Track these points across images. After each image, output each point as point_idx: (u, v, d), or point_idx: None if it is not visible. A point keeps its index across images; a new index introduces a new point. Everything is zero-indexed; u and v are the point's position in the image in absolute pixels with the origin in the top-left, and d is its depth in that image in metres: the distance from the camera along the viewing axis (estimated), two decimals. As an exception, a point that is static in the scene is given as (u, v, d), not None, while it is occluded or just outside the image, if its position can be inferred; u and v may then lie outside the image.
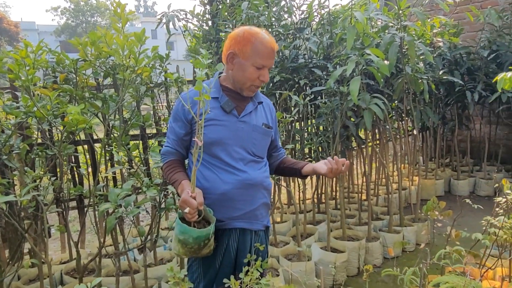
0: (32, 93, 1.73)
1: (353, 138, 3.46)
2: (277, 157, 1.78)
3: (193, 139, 1.41)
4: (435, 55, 3.96)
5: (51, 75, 2.46)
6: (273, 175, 2.27)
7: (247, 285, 1.40)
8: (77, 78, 2.32)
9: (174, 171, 1.58)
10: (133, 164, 2.85)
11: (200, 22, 5.28)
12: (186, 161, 1.70)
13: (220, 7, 5.53)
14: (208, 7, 5.74)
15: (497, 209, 2.56)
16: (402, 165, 4.61)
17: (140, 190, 2.93)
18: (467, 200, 2.41)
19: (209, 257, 1.56)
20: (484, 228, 2.38)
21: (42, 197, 1.91)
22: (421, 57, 3.30)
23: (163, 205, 2.15)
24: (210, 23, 5.60)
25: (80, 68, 2.37)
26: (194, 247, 1.44)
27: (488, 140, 4.77)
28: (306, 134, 3.30)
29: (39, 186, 2.15)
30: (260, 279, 1.40)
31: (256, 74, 1.52)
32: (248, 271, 1.43)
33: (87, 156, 2.91)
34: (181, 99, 1.54)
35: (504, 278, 2.47)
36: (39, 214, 2.20)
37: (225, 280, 1.38)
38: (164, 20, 3.53)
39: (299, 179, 3.43)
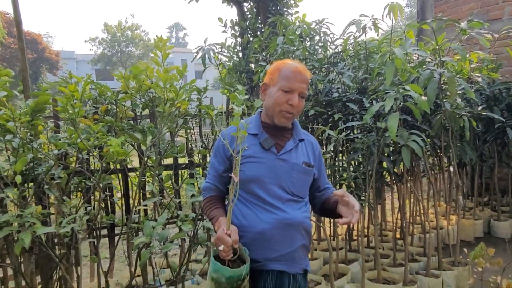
0: (76, 125, 1.78)
1: (388, 174, 3.36)
2: (321, 197, 1.70)
3: (230, 175, 1.40)
4: (473, 90, 3.85)
5: (92, 105, 2.54)
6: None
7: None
8: (117, 109, 2.38)
9: (213, 207, 1.56)
10: (165, 195, 2.86)
11: (231, 54, 5.43)
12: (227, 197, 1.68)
13: (251, 39, 5.70)
14: (239, 39, 5.93)
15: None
16: (438, 202, 4.42)
17: (170, 220, 2.93)
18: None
19: (244, 300, 1.49)
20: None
21: (78, 227, 1.92)
22: (459, 93, 3.21)
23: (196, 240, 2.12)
24: (240, 54, 5.77)
25: (121, 100, 2.44)
26: (227, 287, 1.39)
27: (530, 180, 4.53)
28: (340, 169, 3.23)
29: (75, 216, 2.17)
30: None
31: (284, 97, 1.51)
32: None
33: (120, 184, 2.95)
34: (221, 136, 1.54)
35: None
36: (73, 244, 2.21)
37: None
38: (200, 54, 3.62)
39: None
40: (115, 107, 2.41)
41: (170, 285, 2.84)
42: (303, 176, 1.58)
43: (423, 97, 2.64)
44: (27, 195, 2.04)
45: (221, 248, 1.36)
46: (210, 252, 3.22)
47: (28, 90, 2.59)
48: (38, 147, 1.91)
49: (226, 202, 1.67)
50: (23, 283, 2.59)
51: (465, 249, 3.42)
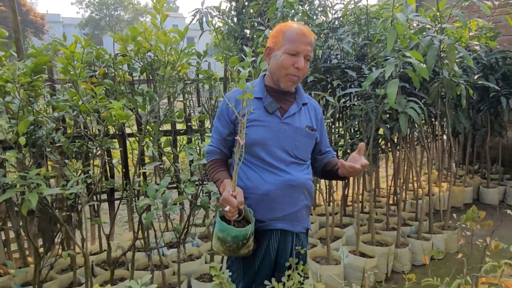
0: (77, 87, 1.75)
1: (383, 141, 3.40)
2: (322, 160, 1.73)
3: (235, 137, 1.41)
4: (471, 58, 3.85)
5: (89, 69, 2.49)
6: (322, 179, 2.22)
7: (289, 288, 1.38)
8: (115, 73, 2.34)
9: (217, 170, 1.58)
10: (164, 160, 2.87)
11: (226, 19, 5.28)
12: (230, 160, 1.70)
13: (246, 3, 5.53)
14: (234, 3, 5.74)
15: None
16: (430, 170, 4.51)
17: (170, 186, 2.96)
18: (509, 211, 2.33)
19: (248, 258, 1.55)
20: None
21: (81, 190, 1.93)
22: (456, 61, 3.21)
23: (198, 203, 2.16)
24: (235, 19, 5.61)
25: (118, 63, 2.39)
26: (232, 246, 1.44)
27: (520, 148, 4.63)
28: (336, 136, 3.26)
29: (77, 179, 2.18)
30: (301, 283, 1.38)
31: (289, 61, 1.50)
32: (290, 275, 1.42)
33: (119, 149, 2.94)
34: (226, 99, 1.53)
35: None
36: (76, 206, 2.23)
37: (266, 282, 1.37)
38: (197, 17, 3.52)
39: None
40: (113, 71, 2.36)
41: (170, 247, 2.91)
42: (306, 139, 1.60)
43: (422, 64, 2.64)
44: (28, 158, 2.03)
45: (227, 209, 1.39)
46: (208, 216, 3.29)
47: (21, 52, 2.52)
48: (39, 109, 1.89)
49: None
50: (25, 245, 2.64)
51: (454, 215, 3.53)
